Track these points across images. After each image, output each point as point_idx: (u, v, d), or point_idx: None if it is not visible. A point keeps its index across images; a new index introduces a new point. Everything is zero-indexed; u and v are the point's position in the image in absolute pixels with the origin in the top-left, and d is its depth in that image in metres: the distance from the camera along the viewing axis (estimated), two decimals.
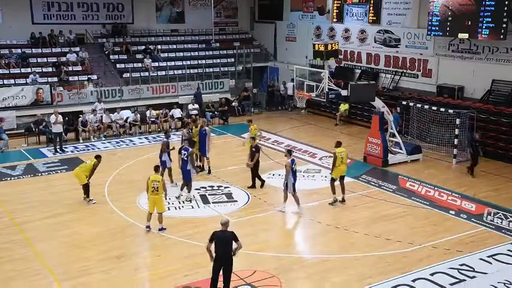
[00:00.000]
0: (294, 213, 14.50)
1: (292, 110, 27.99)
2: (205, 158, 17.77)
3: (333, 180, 15.05)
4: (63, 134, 21.45)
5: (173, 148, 16.43)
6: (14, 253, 12.17)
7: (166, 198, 13.87)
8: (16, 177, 17.67)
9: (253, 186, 16.25)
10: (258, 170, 16.34)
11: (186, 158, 15.16)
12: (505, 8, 18.80)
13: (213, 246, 9.63)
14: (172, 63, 28.46)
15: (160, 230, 13.18)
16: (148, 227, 13.20)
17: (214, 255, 9.66)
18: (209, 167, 17.78)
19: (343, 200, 15.13)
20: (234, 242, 9.63)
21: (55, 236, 13.13)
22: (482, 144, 19.46)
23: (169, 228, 13.28)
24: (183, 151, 15.36)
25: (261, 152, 16.67)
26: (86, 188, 15.18)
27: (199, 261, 11.08)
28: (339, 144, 15.16)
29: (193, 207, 15.00)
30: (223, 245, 9.57)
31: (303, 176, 17.34)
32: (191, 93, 26.15)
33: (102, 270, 11.37)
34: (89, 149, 20.88)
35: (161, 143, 16.67)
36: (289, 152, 14.67)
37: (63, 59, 26.06)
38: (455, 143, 18.77)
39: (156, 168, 13.59)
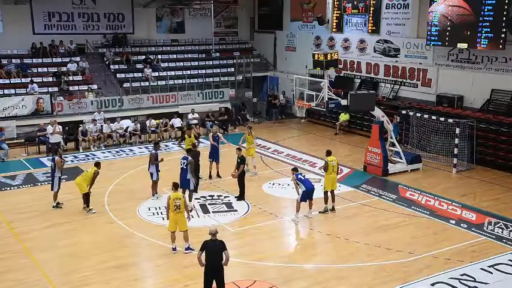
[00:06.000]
0: (289, 220, 14.62)
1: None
2: (217, 164, 18.10)
3: (325, 192, 15.25)
4: (63, 143, 21.44)
5: (162, 160, 16.40)
6: (13, 263, 12.14)
7: (189, 220, 12.57)
8: (16, 187, 17.66)
9: (241, 197, 16.14)
10: (244, 180, 16.24)
11: (185, 167, 15.17)
12: (504, 18, 18.90)
13: (203, 255, 9.79)
14: (173, 73, 28.53)
15: (186, 249, 12.48)
16: (174, 248, 12.53)
17: (204, 263, 9.81)
18: (218, 171, 18.20)
19: (333, 209, 15.24)
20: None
21: (55, 245, 13.10)
22: (483, 153, 19.50)
23: (168, 238, 13.18)
24: (182, 160, 15.37)
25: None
26: (86, 197, 15.18)
27: (199, 270, 11.02)
28: (329, 153, 15.34)
29: (193, 217, 14.91)
30: (214, 254, 9.76)
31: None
32: (191, 103, 26.27)
33: (102, 280, 11.33)
34: (89, 159, 20.86)
35: (149, 155, 16.50)
36: (293, 170, 14.85)
37: (64, 68, 26.12)
38: (455, 152, 18.79)
39: (175, 185, 12.64)
